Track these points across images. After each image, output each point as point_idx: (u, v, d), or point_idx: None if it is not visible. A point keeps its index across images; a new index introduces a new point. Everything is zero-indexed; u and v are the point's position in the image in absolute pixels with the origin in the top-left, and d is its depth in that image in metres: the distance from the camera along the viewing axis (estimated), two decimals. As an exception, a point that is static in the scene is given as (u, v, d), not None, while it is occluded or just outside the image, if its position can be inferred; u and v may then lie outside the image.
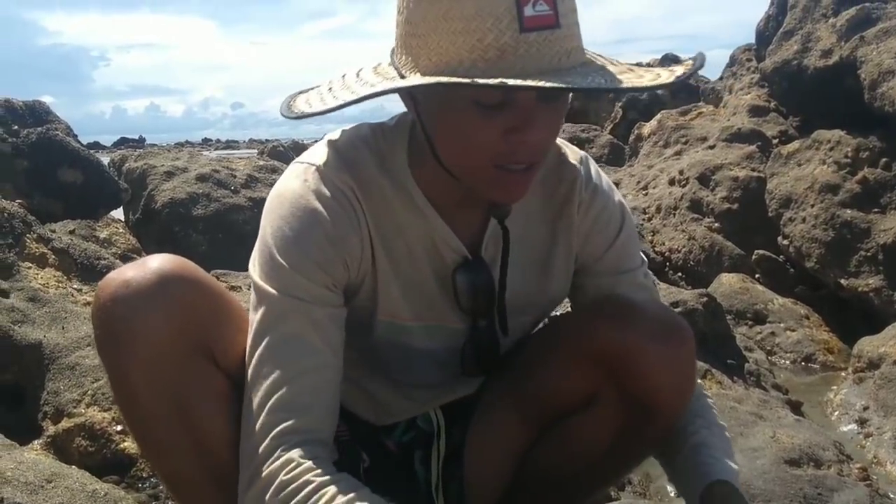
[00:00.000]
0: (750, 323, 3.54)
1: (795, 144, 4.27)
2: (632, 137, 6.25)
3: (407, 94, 0.99)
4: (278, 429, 0.95)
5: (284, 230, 1.00)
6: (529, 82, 0.83)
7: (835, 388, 2.95)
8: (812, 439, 2.00)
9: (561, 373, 1.12)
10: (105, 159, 5.14)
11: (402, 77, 0.93)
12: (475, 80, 0.84)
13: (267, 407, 0.96)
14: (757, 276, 4.00)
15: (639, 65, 1.00)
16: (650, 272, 1.24)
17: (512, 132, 0.91)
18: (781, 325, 3.51)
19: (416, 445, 1.25)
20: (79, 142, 4.04)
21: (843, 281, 3.60)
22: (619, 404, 1.09)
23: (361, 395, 1.20)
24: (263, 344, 0.99)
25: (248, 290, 2.84)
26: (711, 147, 4.93)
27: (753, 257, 4.11)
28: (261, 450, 0.95)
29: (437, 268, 1.09)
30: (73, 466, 1.71)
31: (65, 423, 1.98)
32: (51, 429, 1.99)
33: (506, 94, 0.89)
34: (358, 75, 1.01)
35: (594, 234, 1.15)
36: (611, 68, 0.93)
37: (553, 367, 1.13)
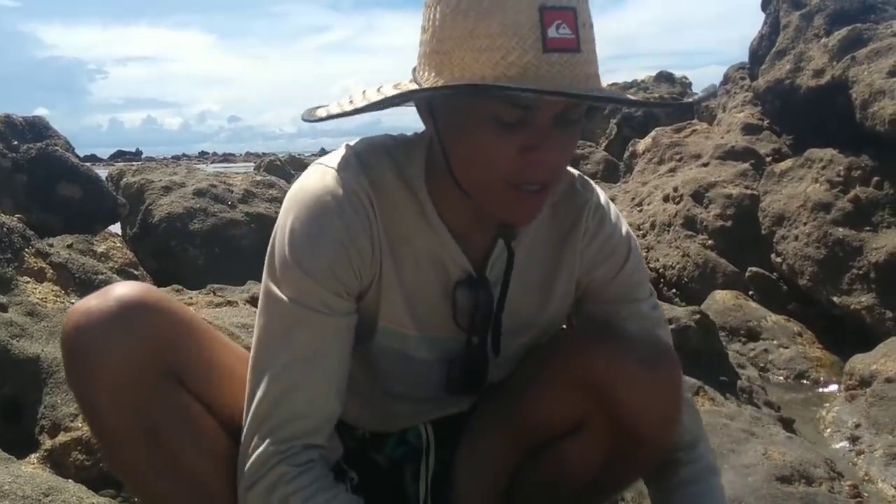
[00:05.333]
0: (743, 340, 3.57)
1: (788, 163, 4.32)
2: (626, 154, 6.30)
3: (426, 109, 1.00)
4: (278, 436, 1.00)
5: (298, 232, 1.01)
6: (554, 95, 0.87)
7: (827, 405, 2.97)
8: (804, 456, 2.02)
9: (549, 398, 1.12)
10: (103, 173, 5.15)
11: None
12: (506, 84, 0.87)
13: (270, 414, 1.00)
14: (750, 293, 4.03)
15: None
16: (659, 304, 1.23)
17: (528, 151, 0.92)
18: (774, 342, 3.54)
19: (407, 461, 1.25)
20: (77, 156, 4.06)
21: (835, 298, 3.63)
22: (606, 431, 1.09)
23: (352, 400, 1.19)
24: (269, 352, 1.01)
25: (244, 305, 2.82)
26: (705, 164, 4.97)
27: (747, 274, 4.14)
28: (259, 454, 1.00)
29: (442, 281, 1.10)
30: (70, 480, 1.71)
31: (62, 438, 1.98)
32: (48, 443, 2.00)
33: (525, 114, 0.91)
34: (378, 90, 1.02)
35: (599, 262, 1.16)
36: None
37: (542, 392, 1.14)
